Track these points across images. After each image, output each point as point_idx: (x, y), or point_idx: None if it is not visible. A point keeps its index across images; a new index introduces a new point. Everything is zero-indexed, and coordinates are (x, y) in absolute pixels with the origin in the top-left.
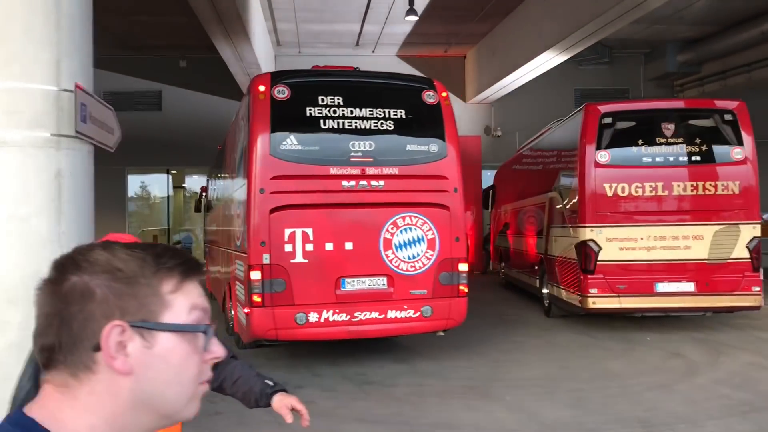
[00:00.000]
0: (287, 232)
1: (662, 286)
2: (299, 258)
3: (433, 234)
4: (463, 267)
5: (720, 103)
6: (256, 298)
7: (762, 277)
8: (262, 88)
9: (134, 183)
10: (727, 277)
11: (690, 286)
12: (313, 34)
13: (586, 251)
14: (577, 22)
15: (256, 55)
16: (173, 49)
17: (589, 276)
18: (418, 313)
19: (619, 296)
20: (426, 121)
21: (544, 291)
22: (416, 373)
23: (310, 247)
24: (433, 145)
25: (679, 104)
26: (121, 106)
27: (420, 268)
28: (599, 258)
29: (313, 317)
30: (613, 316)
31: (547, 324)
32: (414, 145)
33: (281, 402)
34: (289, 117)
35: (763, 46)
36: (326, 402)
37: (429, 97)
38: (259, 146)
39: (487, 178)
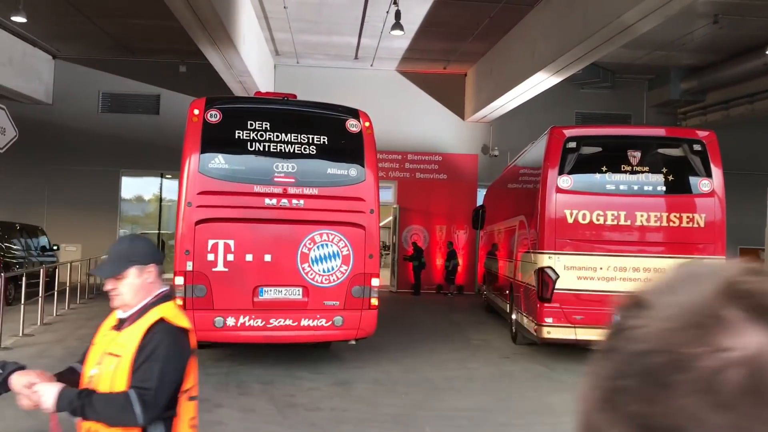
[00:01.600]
0: (210, 242)
1: None
2: (220, 267)
3: (348, 250)
4: (375, 282)
5: (689, 133)
6: (178, 302)
7: None
8: (196, 111)
9: (128, 185)
10: None
11: None
12: (310, 45)
13: (543, 278)
14: (568, 44)
15: (245, 63)
16: (173, 54)
17: (545, 304)
18: (330, 323)
19: (575, 327)
20: (347, 148)
21: (513, 317)
22: (347, 396)
23: (231, 257)
24: (352, 170)
25: (646, 132)
26: (120, 108)
27: (334, 281)
28: (556, 286)
29: (230, 321)
30: (574, 346)
31: (511, 351)
32: (334, 169)
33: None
34: (219, 138)
35: (765, 77)
36: (237, 424)
37: (352, 126)
38: (189, 164)
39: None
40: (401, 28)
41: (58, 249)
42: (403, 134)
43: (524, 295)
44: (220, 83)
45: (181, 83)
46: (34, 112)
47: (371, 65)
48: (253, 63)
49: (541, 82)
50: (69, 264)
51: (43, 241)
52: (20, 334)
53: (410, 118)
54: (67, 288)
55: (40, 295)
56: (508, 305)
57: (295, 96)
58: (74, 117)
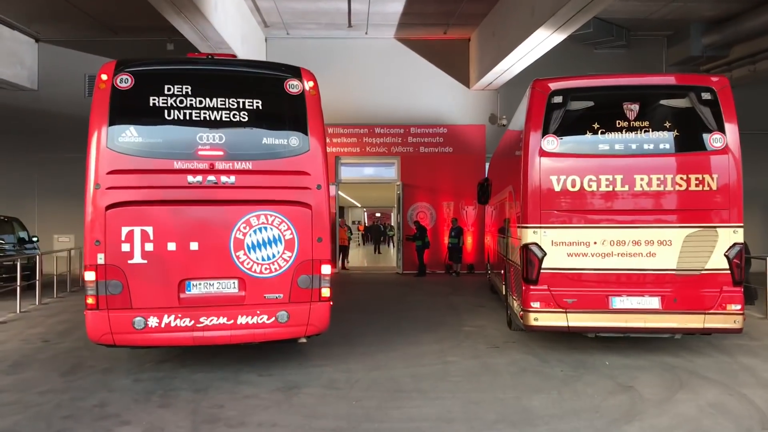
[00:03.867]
0: (125, 230)
1: (619, 302)
2: (137, 258)
3: (291, 234)
4: (326, 269)
5: (697, 80)
6: (90, 300)
7: None
8: (104, 77)
9: None
10: (701, 292)
11: (653, 302)
12: (298, 13)
13: (528, 257)
14: None
15: (220, 33)
16: (159, 32)
17: (531, 286)
18: (272, 319)
19: (566, 312)
20: (287, 113)
21: (508, 299)
22: (286, 406)
23: (149, 246)
24: (293, 139)
25: (646, 80)
26: None
27: (276, 270)
28: (543, 265)
29: (153, 322)
30: (570, 333)
31: (503, 339)
32: (272, 138)
33: None
34: (131, 107)
35: None
36: None
37: (292, 86)
38: (95, 138)
39: None
40: None
41: (38, 240)
42: (405, 106)
43: (514, 275)
44: None
45: None
46: (20, 99)
47: (366, 33)
48: (233, 34)
49: (543, 40)
50: (38, 257)
51: (22, 233)
52: None
53: (412, 89)
54: (38, 282)
55: None
56: (503, 286)
57: (234, 56)
58: (62, 102)
